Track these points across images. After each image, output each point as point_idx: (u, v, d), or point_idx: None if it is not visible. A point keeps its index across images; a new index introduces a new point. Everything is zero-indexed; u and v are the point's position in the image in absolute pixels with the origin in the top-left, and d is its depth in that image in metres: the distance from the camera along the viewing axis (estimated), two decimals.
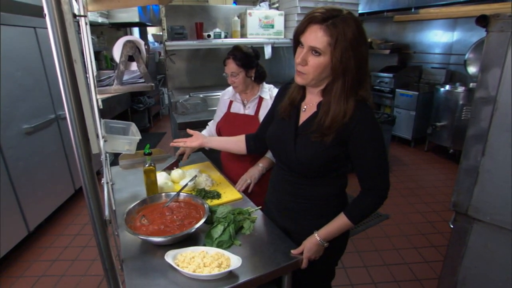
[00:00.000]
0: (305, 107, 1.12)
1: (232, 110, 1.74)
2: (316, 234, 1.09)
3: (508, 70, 1.12)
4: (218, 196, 1.44)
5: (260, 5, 3.00)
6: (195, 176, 1.53)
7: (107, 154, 1.40)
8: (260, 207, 1.35)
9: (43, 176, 2.63)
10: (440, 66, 4.60)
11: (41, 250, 2.45)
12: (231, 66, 1.57)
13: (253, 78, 1.62)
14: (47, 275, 2.19)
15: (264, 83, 1.70)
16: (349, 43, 0.91)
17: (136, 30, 6.54)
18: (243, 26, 2.93)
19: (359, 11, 3.89)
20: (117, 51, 1.24)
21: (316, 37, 0.93)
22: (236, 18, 2.96)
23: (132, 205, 1.23)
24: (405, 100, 4.41)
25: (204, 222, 1.14)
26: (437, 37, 4.60)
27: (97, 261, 2.32)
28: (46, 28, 0.60)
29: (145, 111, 5.57)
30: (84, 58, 1.18)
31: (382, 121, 3.52)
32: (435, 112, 4.09)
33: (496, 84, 1.16)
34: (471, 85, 3.81)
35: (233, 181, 1.62)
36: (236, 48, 1.58)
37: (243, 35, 2.96)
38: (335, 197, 1.15)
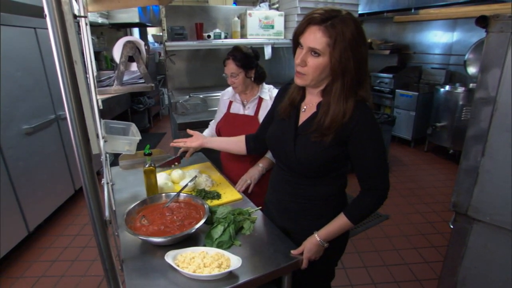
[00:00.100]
0: (304, 107, 1.12)
1: (231, 111, 1.74)
2: (316, 235, 1.09)
3: (508, 70, 1.12)
4: (218, 196, 1.44)
5: (260, 6, 3.00)
6: (195, 176, 1.53)
7: (107, 155, 1.40)
8: (260, 207, 1.35)
9: (43, 176, 2.63)
10: (440, 67, 4.61)
11: (41, 251, 2.45)
12: (231, 67, 1.57)
13: (252, 79, 1.62)
14: (47, 276, 2.19)
15: (264, 84, 1.70)
16: (348, 43, 0.91)
17: (136, 31, 6.54)
18: (243, 26, 2.94)
19: (359, 12, 3.89)
20: (117, 52, 1.24)
21: (315, 38, 0.93)
22: (236, 18, 2.96)
23: (132, 205, 1.24)
24: (405, 100, 4.41)
25: (204, 222, 1.15)
26: (437, 38, 4.60)
27: (97, 261, 2.32)
28: (46, 28, 0.60)
29: (145, 112, 5.57)
30: (84, 59, 1.18)
31: (382, 122, 3.52)
32: (435, 113, 4.09)
33: (496, 85, 1.16)
34: (471, 85, 3.81)
35: (233, 181, 1.62)
36: (236, 49, 1.58)
37: (243, 35, 2.96)
38: (335, 197, 1.15)
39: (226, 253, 1.03)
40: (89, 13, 1.44)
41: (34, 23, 2.55)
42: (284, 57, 3.54)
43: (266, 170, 1.59)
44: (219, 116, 1.81)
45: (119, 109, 4.53)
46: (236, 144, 1.45)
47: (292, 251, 1.08)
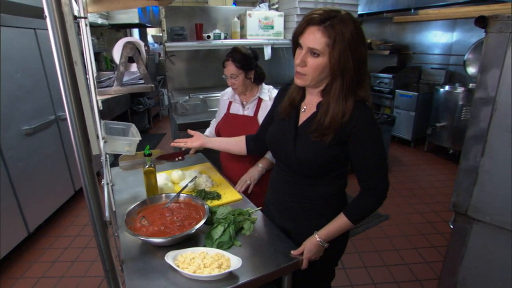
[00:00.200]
0: (304, 107, 1.12)
1: (231, 111, 1.75)
2: (316, 235, 1.09)
3: (507, 70, 1.12)
4: (218, 197, 1.44)
5: (259, 6, 3.01)
6: (195, 177, 1.53)
7: (107, 155, 1.40)
8: (260, 207, 1.35)
9: (43, 177, 2.63)
10: (439, 67, 4.61)
11: (41, 251, 2.45)
12: (231, 68, 1.57)
13: (252, 80, 1.63)
14: (47, 276, 2.19)
15: (264, 84, 1.70)
16: (347, 43, 0.91)
17: (136, 31, 6.55)
18: (242, 27, 2.94)
19: (359, 12, 3.89)
20: (117, 52, 1.24)
21: (314, 38, 0.94)
22: (235, 19, 2.96)
23: (132, 206, 1.24)
24: (405, 100, 4.41)
25: (204, 223, 1.15)
26: (436, 38, 4.61)
27: (97, 262, 2.32)
28: (46, 29, 0.60)
29: (145, 112, 5.57)
30: (84, 60, 1.18)
31: (382, 122, 3.52)
32: (434, 113, 4.10)
33: (495, 85, 1.16)
34: (471, 85, 3.81)
35: (233, 181, 1.62)
36: (235, 50, 1.58)
37: (242, 36, 2.96)
38: (335, 197, 1.15)
39: (226, 254, 1.03)
40: (89, 14, 1.45)
41: (34, 24, 2.55)
42: (283, 58, 3.54)
43: (265, 170, 1.59)
44: (219, 116, 1.82)
45: (119, 110, 4.53)
46: (236, 144, 1.45)
47: (292, 252, 1.08)
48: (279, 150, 1.16)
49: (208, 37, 2.87)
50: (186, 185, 1.44)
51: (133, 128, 1.54)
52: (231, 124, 1.71)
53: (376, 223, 2.76)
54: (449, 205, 1.37)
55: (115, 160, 2.14)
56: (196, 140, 1.49)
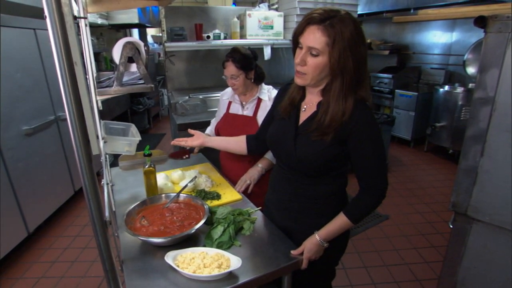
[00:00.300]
0: (305, 106, 1.13)
1: (230, 111, 1.75)
2: (316, 234, 1.09)
3: (507, 70, 1.12)
4: (218, 197, 1.44)
5: (259, 6, 3.01)
6: (195, 177, 1.53)
7: (107, 155, 1.40)
8: (260, 207, 1.36)
9: (42, 177, 2.63)
10: (439, 67, 4.61)
11: (41, 252, 2.45)
12: (231, 69, 1.57)
13: (252, 80, 1.63)
14: (46, 277, 2.19)
15: (263, 84, 1.70)
16: (347, 43, 0.92)
17: (135, 32, 6.55)
18: (242, 27, 2.94)
19: (358, 12, 3.89)
20: (116, 53, 1.24)
21: (314, 37, 0.94)
22: (235, 19, 2.96)
23: (132, 206, 1.24)
24: (405, 100, 4.42)
25: (204, 223, 1.15)
26: (436, 38, 4.61)
27: (97, 262, 2.32)
28: (46, 29, 0.60)
29: (145, 112, 5.57)
30: (84, 60, 1.18)
31: (381, 122, 3.52)
32: (434, 113, 4.10)
33: (494, 85, 1.16)
34: (470, 85, 3.82)
35: (232, 181, 1.62)
36: (235, 50, 1.58)
37: (242, 36, 2.96)
38: (336, 196, 1.15)
39: (226, 254, 1.03)
40: (88, 14, 1.45)
41: (34, 24, 2.55)
42: (283, 58, 3.54)
43: (265, 170, 1.59)
44: (219, 116, 1.82)
45: (119, 110, 4.53)
46: (237, 143, 1.45)
47: (292, 251, 1.08)
48: (280, 149, 1.16)
49: (208, 37, 2.87)
50: (186, 185, 1.44)
51: (133, 128, 1.54)
52: (230, 124, 1.71)
53: (376, 223, 2.76)
54: (448, 205, 1.38)
55: (115, 160, 2.14)
56: (196, 139, 1.49)
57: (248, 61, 1.57)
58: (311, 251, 1.08)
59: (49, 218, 2.75)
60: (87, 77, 1.07)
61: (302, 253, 1.08)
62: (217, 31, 2.93)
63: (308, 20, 0.95)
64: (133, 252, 1.10)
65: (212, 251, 1.04)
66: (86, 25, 1.24)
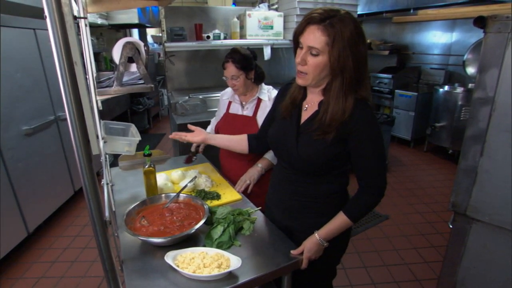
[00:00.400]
0: (306, 106, 1.13)
1: (230, 111, 1.75)
2: (316, 234, 1.09)
3: (506, 70, 1.13)
4: (217, 197, 1.44)
5: (259, 6, 3.01)
6: (195, 177, 1.53)
7: (107, 155, 1.40)
8: (259, 207, 1.36)
9: (42, 177, 2.63)
10: (439, 67, 4.61)
11: (41, 252, 2.45)
12: (231, 69, 1.57)
13: (253, 80, 1.63)
14: (46, 277, 2.19)
15: (263, 84, 1.71)
16: (347, 42, 0.92)
17: (135, 32, 6.55)
18: (242, 27, 2.94)
19: (358, 12, 3.90)
20: (116, 53, 1.24)
21: (314, 37, 0.95)
22: (235, 19, 2.96)
23: (132, 206, 1.24)
24: (404, 100, 4.42)
25: (204, 223, 1.15)
26: (436, 38, 4.61)
27: (96, 262, 2.32)
28: (46, 29, 0.61)
29: (145, 112, 5.57)
30: (84, 60, 1.18)
31: (381, 122, 3.52)
32: (434, 113, 4.10)
33: (494, 85, 1.16)
34: (470, 85, 3.82)
35: (232, 180, 1.62)
36: (234, 51, 1.58)
37: (242, 36, 2.96)
38: (337, 195, 1.16)
39: (226, 254, 1.03)
40: (88, 14, 1.45)
41: (34, 24, 2.55)
42: (283, 58, 3.54)
43: (265, 170, 1.59)
44: (219, 115, 1.82)
45: (119, 110, 4.53)
46: (238, 142, 1.44)
47: (292, 251, 1.09)
48: (281, 148, 1.17)
49: (208, 37, 2.87)
50: (186, 185, 1.44)
51: (133, 128, 1.54)
52: (230, 124, 1.71)
53: (376, 223, 2.76)
54: (448, 205, 1.38)
55: (114, 160, 2.14)
56: (198, 135, 1.44)
57: (248, 61, 1.57)
58: (311, 250, 1.08)
59: (49, 218, 2.75)
60: (87, 77, 1.07)
61: (302, 253, 1.08)
62: (217, 31, 2.93)
63: (308, 20, 0.96)
64: (133, 252, 1.10)
65: (212, 251, 1.04)
66: (86, 25, 1.24)
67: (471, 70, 3.80)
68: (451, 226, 1.41)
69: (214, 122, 1.91)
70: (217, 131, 1.76)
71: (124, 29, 5.55)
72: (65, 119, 0.68)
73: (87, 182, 0.72)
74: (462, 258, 1.39)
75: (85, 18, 1.20)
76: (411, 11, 4.05)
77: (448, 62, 4.52)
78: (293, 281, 1.11)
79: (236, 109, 1.73)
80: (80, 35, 1.20)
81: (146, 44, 1.28)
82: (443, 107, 3.95)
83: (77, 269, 2.25)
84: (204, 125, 1.97)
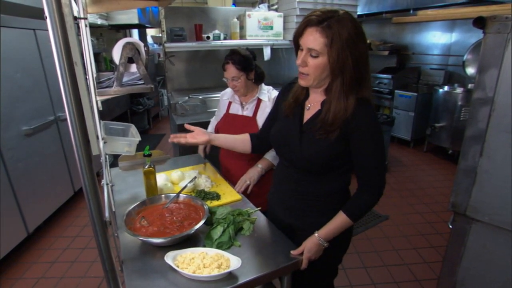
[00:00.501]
0: (309, 105, 1.14)
1: (230, 111, 1.75)
2: (316, 234, 1.09)
3: (505, 71, 1.13)
4: (217, 197, 1.44)
5: (259, 7, 3.01)
6: (195, 177, 1.53)
7: (107, 156, 1.40)
8: (259, 208, 1.36)
9: (42, 177, 2.63)
10: (438, 67, 4.62)
11: (41, 252, 2.44)
12: (231, 71, 1.57)
13: (253, 80, 1.63)
14: (46, 277, 2.19)
15: (263, 85, 1.71)
16: (345, 42, 0.93)
17: (135, 32, 6.54)
18: (242, 27, 2.94)
19: (358, 13, 3.90)
20: (116, 53, 1.24)
21: (313, 39, 0.96)
22: (235, 19, 2.97)
23: (132, 206, 1.24)
24: (404, 101, 4.42)
25: (204, 223, 1.15)
26: (435, 39, 4.62)
27: (96, 262, 2.32)
28: (46, 30, 0.61)
29: (145, 113, 5.57)
30: (84, 60, 1.18)
31: (381, 122, 3.53)
32: (434, 113, 4.10)
33: (493, 85, 1.17)
34: (470, 86, 3.82)
35: (232, 180, 1.62)
36: (234, 52, 1.58)
37: (242, 36, 2.96)
38: (339, 194, 1.16)
39: (225, 254, 1.03)
40: (88, 15, 1.45)
41: (34, 24, 2.56)
42: (283, 58, 3.54)
43: (265, 171, 1.59)
44: (219, 116, 1.82)
45: (119, 110, 4.53)
46: (242, 142, 1.42)
47: (292, 251, 1.09)
48: (284, 147, 1.17)
49: (208, 37, 2.87)
50: (186, 186, 1.44)
51: (133, 129, 1.54)
52: (230, 124, 1.71)
53: (376, 224, 2.76)
54: (448, 205, 1.38)
55: (114, 160, 2.14)
56: (201, 136, 1.37)
57: (248, 62, 1.58)
58: (311, 251, 1.08)
59: (48, 219, 2.75)
60: (87, 77, 1.07)
61: (302, 253, 1.08)
62: (217, 31, 2.93)
63: (307, 22, 0.97)
64: (133, 252, 1.10)
65: (212, 251, 1.04)
66: (86, 26, 1.24)
67: (470, 70, 3.80)
68: (451, 226, 1.41)
69: (214, 122, 1.91)
70: (217, 131, 1.76)
71: (124, 29, 5.55)
72: (65, 120, 0.68)
73: (87, 182, 0.72)
74: (462, 258, 1.39)
75: (85, 18, 1.20)
76: (411, 11, 4.05)
77: (448, 62, 4.52)
78: (294, 281, 1.11)
79: (236, 109, 1.73)
80: (80, 35, 1.20)
81: (146, 45, 1.28)
82: (443, 108, 3.95)
83: (77, 270, 2.25)
84: (203, 125, 1.97)
